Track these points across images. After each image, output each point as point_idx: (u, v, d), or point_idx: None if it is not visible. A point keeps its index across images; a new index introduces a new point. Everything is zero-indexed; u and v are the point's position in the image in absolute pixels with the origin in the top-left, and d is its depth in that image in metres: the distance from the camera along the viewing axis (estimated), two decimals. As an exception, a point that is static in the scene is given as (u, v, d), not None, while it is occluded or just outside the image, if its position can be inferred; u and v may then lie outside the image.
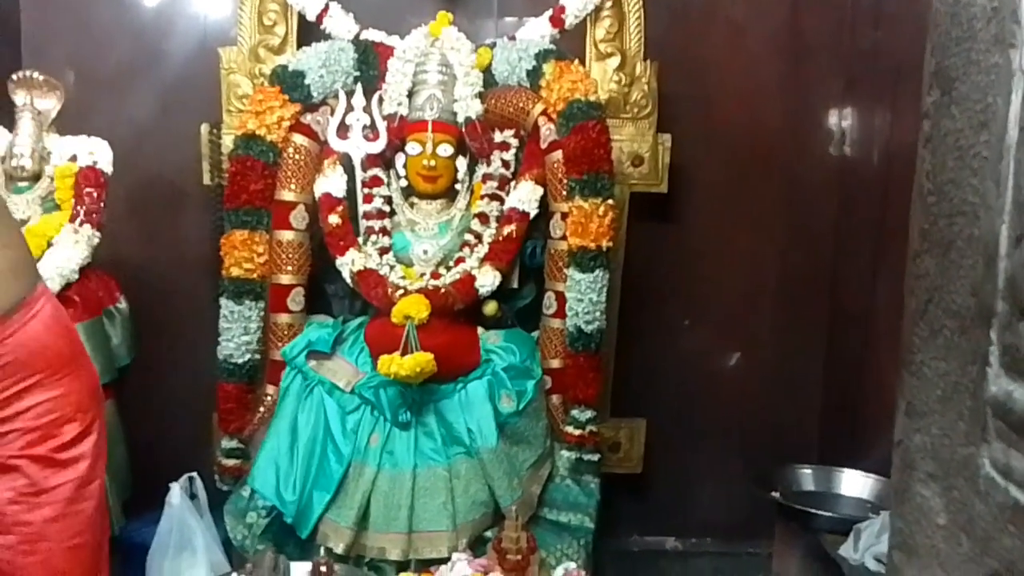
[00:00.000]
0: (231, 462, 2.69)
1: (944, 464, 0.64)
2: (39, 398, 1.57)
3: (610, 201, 2.58)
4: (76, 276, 2.53)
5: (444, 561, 2.37)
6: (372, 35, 2.79)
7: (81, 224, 2.56)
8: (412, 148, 2.69)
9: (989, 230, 0.60)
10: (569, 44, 2.81)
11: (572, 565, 2.37)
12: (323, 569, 2.24)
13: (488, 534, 2.50)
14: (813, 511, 2.38)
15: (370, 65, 2.72)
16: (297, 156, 2.67)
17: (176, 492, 2.64)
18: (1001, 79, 0.61)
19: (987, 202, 0.60)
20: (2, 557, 1.58)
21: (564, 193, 2.62)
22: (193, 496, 2.71)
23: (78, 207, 2.58)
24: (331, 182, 2.68)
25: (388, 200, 2.74)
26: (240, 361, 2.65)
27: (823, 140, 3.21)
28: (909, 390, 0.68)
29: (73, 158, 2.63)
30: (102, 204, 2.61)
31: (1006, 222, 0.59)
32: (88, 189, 2.59)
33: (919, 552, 0.66)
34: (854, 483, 2.58)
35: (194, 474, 2.73)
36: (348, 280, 2.65)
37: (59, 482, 1.61)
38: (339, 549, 2.43)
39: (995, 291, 0.60)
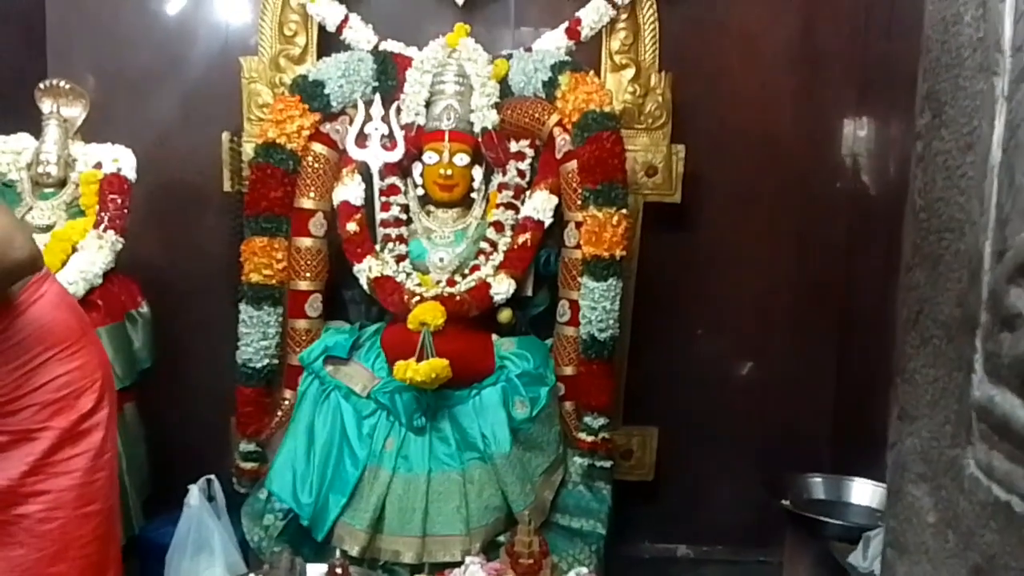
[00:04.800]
0: (249, 465, 2.73)
1: (933, 465, 0.67)
2: (56, 371, 1.67)
3: (624, 211, 2.62)
4: (100, 281, 2.58)
5: (457, 564, 2.40)
6: (391, 46, 2.84)
7: (105, 230, 2.61)
8: (429, 157, 2.73)
9: (974, 245, 0.63)
10: (584, 55, 2.86)
11: (584, 570, 2.40)
12: (338, 571, 2.27)
13: (501, 539, 2.53)
14: (823, 519, 2.39)
15: (388, 75, 2.77)
16: (316, 164, 2.72)
17: (195, 493, 2.67)
18: (985, 104, 0.64)
19: (972, 219, 0.63)
20: (20, 525, 1.65)
21: (578, 202, 2.66)
22: (211, 498, 2.75)
23: (102, 213, 2.63)
24: (349, 190, 2.72)
25: (405, 208, 2.79)
26: (258, 366, 2.69)
27: (836, 149, 3.22)
28: (902, 395, 0.72)
29: (98, 165, 2.68)
30: (126, 210, 2.67)
31: (989, 238, 0.62)
32: (112, 195, 2.64)
33: (910, 549, 0.69)
34: (864, 492, 2.59)
35: (212, 476, 2.77)
36: (365, 287, 2.69)
37: (76, 453, 1.70)
38: (354, 551, 2.46)
39: (979, 302, 0.63)
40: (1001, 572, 0.61)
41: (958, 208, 0.65)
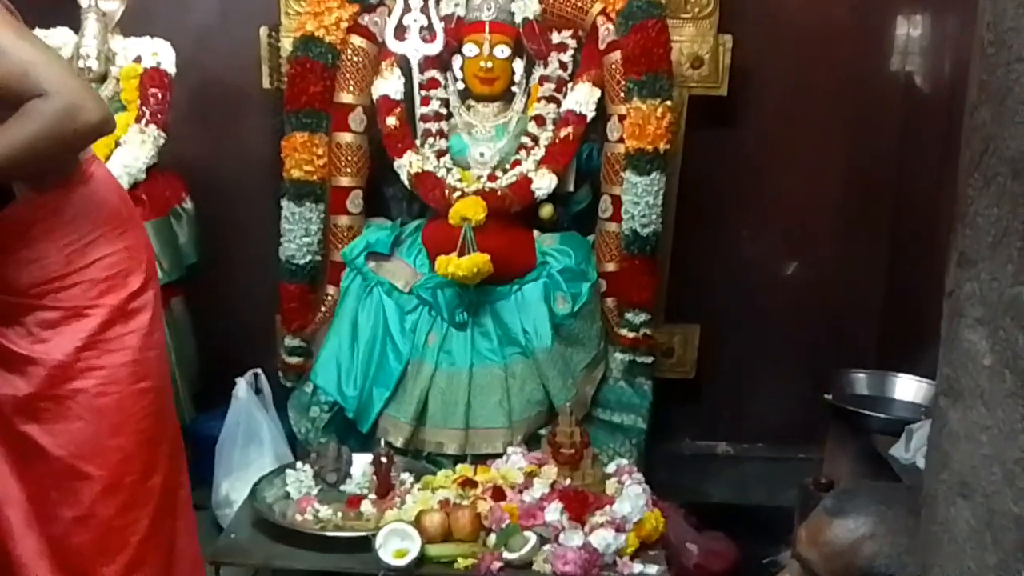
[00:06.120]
0: (294, 360, 2.77)
1: (992, 307, 0.65)
2: (105, 251, 1.71)
3: (668, 102, 2.56)
4: (143, 175, 2.60)
5: (499, 456, 2.44)
6: (430, -67, 2.76)
7: (147, 124, 2.62)
8: (469, 50, 2.68)
9: (1045, 73, 0.60)
10: (629, -59, 2.75)
11: (624, 462, 2.42)
12: (383, 460, 2.32)
13: (542, 432, 2.56)
14: (865, 412, 2.38)
15: (428, -36, 2.71)
16: (355, 58, 2.69)
17: (243, 386, 2.73)
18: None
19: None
20: (77, 400, 1.71)
21: (622, 95, 2.60)
22: (258, 391, 2.80)
23: (143, 107, 2.64)
24: (389, 84, 2.69)
25: (445, 102, 2.75)
26: (301, 262, 2.71)
27: (891, 43, 3.10)
28: (961, 241, 0.69)
29: (137, 59, 2.68)
30: (167, 104, 2.67)
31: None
32: (153, 90, 2.64)
33: (964, 395, 0.68)
34: (908, 388, 2.57)
35: (259, 370, 2.82)
36: (406, 182, 2.68)
37: (127, 331, 1.75)
38: (398, 443, 2.52)
39: (1049, 131, 0.61)
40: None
41: (1031, 35, 0.62)
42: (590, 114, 2.65)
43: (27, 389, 1.69)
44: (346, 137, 2.70)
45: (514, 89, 2.74)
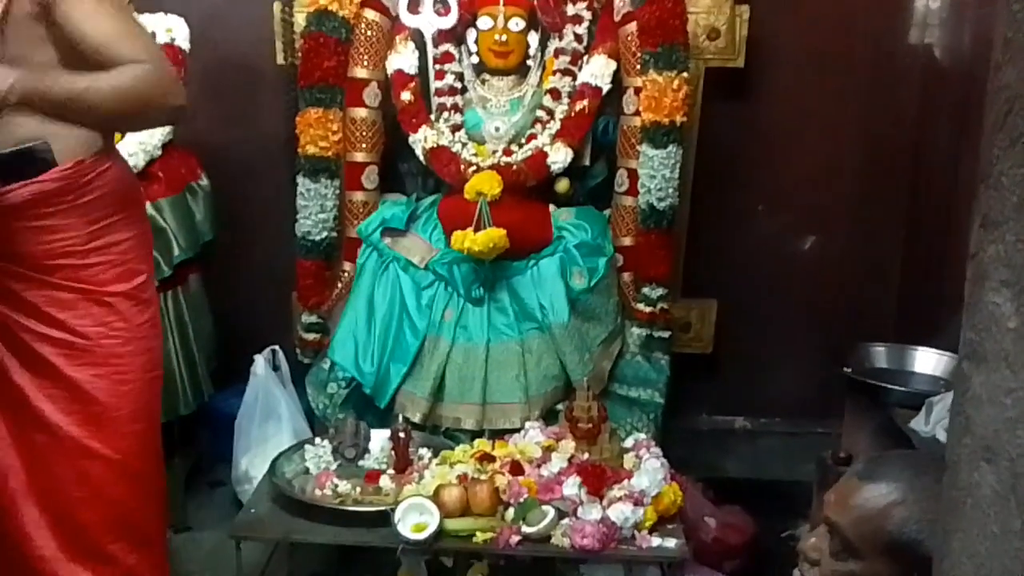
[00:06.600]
0: (311, 336, 2.78)
1: (1017, 269, 0.64)
2: (123, 235, 1.75)
3: (685, 75, 2.53)
4: (159, 152, 2.60)
5: (517, 431, 2.43)
6: (443, -94, 2.73)
7: (162, 101, 2.61)
8: (483, 23, 2.66)
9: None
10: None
11: (642, 436, 2.41)
12: (401, 435, 2.33)
13: (559, 407, 2.56)
14: (884, 385, 2.36)
15: (440, -64, 2.68)
16: (369, 32, 2.67)
17: (260, 363, 2.74)
18: None
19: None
20: (99, 386, 1.74)
21: (638, 67, 2.58)
22: (276, 368, 2.82)
23: (158, 84, 2.62)
24: (403, 58, 2.67)
25: (460, 76, 2.73)
26: (317, 238, 2.71)
27: (910, 13, 3.06)
28: (986, 203, 0.68)
29: (152, 35, 2.66)
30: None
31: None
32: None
33: (988, 358, 0.67)
34: (927, 361, 2.54)
35: (276, 347, 2.83)
36: (421, 157, 2.67)
37: (143, 320, 1.79)
38: (416, 418, 2.51)
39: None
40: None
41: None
42: (606, 87, 2.63)
43: (45, 371, 1.71)
44: (360, 112, 2.69)
45: (529, 62, 2.72)
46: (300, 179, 2.68)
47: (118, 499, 1.80)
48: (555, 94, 2.66)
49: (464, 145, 2.65)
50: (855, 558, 1.14)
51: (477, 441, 2.38)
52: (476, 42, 2.69)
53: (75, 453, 1.75)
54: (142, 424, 1.81)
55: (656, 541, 2.04)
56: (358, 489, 2.24)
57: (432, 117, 2.68)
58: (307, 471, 2.33)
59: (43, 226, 1.66)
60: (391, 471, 2.30)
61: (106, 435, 1.76)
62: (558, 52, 2.68)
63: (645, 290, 2.68)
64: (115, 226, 1.73)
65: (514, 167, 2.59)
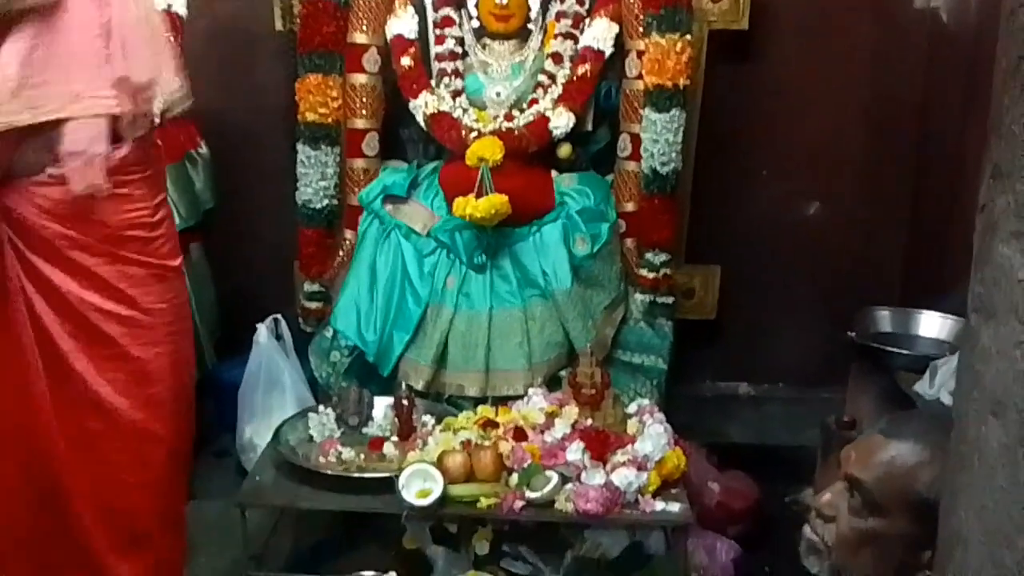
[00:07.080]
0: (313, 305, 2.77)
1: (1027, 220, 0.63)
2: (168, 211, 1.80)
3: (688, 37, 2.50)
4: (158, 120, 2.57)
5: (520, 398, 2.44)
6: None
7: (160, 68, 2.59)
8: (484, -14, 2.63)
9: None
10: None
11: (645, 402, 2.41)
12: (405, 402, 2.33)
13: (563, 374, 2.55)
14: (889, 348, 2.36)
15: (441, -102, 2.64)
16: (368, -4, 2.64)
17: (263, 332, 2.73)
18: None
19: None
20: (161, 364, 1.75)
21: (640, 30, 2.55)
22: (279, 337, 2.81)
23: (156, 51, 2.60)
24: (403, 23, 2.64)
25: (460, 41, 2.70)
26: (319, 206, 2.69)
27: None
28: (996, 153, 0.67)
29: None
30: (180, 48, 2.62)
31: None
32: (165, 34, 2.60)
33: (997, 312, 0.66)
34: (932, 324, 2.53)
35: (278, 316, 2.82)
36: (422, 123, 2.65)
37: (187, 297, 1.85)
38: (419, 386, 2.51)
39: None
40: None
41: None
42: (608, 50, 2.60)
43: (110, 350, 1.71)
44: (360, 78, 2.67)
45: (530, 26, 2.68)
46: (300, 146, 2.66)
47: (169, 482, 1.80)
48: (557, 58, 2.62)
49: (465, 111, 2.63)
50: (877, 515, 1.13)
51: (480, 408, 2.38)
52: (476, 6, 2.66)
53: (134, 437, 1.73)
54: (185, 403, 1.82)
55: (660, 505, 2.05)
56: (362, 456, 2.25)
57: (432, 82, 2.65)
58: (311, 439, 2.33)
59: (123, 194, 1.66)
60: (395, 438, 2.30)
61: (164, 417, 1.76)
62: (559, 15, 2.65)
63: (648, 256, 2.67)
64: (165, 203, 1.77)
65: (516, 132, 2.57)
